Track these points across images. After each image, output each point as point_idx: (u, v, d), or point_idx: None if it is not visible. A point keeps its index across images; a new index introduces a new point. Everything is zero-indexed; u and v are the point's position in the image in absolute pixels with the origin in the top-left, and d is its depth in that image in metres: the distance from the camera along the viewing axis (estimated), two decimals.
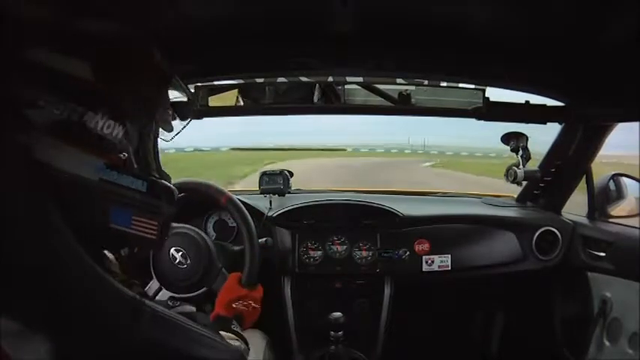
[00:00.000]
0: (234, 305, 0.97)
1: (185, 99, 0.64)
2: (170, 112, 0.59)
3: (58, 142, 0.44)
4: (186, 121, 0.64)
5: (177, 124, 0.62)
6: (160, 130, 0.58)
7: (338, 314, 1.22)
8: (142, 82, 0.52)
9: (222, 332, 0.83)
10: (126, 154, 0.49)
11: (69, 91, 0.45)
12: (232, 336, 0.85)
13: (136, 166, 0.51)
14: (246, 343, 0.86)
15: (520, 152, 1.40)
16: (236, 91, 1.33)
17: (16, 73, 0.42)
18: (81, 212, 0.46)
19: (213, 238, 1.37)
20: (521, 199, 1.65)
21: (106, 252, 0.55)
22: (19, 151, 0.41)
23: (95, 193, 0.47)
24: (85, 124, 0.45)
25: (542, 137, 1.49)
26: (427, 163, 15.26)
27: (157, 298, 1.09)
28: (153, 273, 1.11)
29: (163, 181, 0.54)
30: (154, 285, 1.11)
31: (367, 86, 1.33)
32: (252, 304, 1.00)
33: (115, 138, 0.48)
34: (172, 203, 0.54)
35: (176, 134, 0.62)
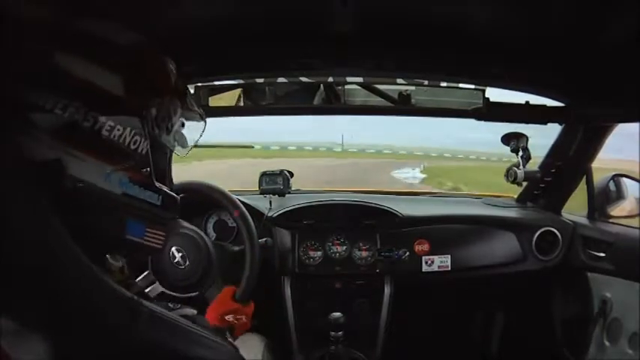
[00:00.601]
0: (225, 318, 0.99)
1: (196, 115, 0.65)
2: (184, 127, 0.60)
3: (82, 154, 0.45)
4: (199, 136, 0.65)
5: (190, 138, 0.63)
6: (176, 144, 0.59)
7: (338, 314, 1.22)
8: (164, 99, 0.53)
9: None
10: (148, 170, 0.51)
11: (98, 104, 0.46)
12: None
13: (155, 180, 0.52)
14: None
15: (520, 153, 1.40)
16: (236, 91, 1.33)
17: (41, 82, 0.43)
18: (99, 223, 0.48)
19: (213, 238, 1.37)
20: (521, 200, 1.65)
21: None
22: (20, 152, 0.41)
23: (117, 206, 0.48)
24: (114, 139, 0.47)
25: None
26: (404, 171, 9.85)
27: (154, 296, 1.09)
28: (151, 270, 1.10)
29: (172, 192, 0.56)
30: (147, 278, 1.10)
31: (367, 86, 1.33)
32: (243, 319, 1.03)
33: (139, 154, 0.49)
34: (178, 213, 0.56)
35: (190, 148, 0.64)
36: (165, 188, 0.54)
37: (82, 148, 0.45)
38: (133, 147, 0.48)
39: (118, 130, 0.47)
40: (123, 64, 0.48)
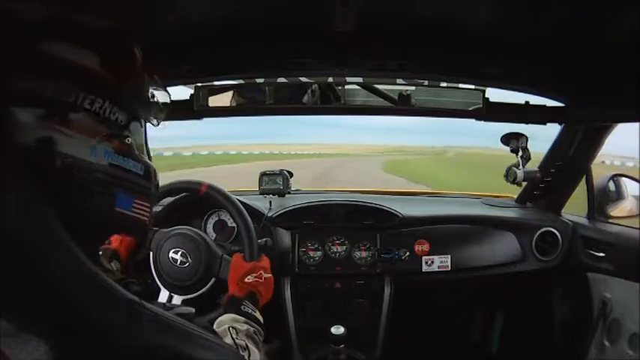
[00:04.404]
0: (246, 280, 0.98)
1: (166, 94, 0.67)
2: (156, 102, 0.62)
3: (67, 129, 0.46)
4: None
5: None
6: (150, 117, 0.61)
7: (341, 330, 1.19)
8: (135, 76, 0.55)
9: (233, 334, 0.82)
10: (130, 140, 0.52)
11: (78, 79, 0.47)
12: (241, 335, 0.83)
13: (136, 151, 0.54)
14: (260, 325, 0.87)
15: (520, 153, 1.40)
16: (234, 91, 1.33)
17: (21, 63, 0.44)
18: (88, 198, 0.48)
19: (213, 238, 1.37)
20: (521, 200, 1.65)
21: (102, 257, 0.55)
22: (7, 139, 0.41)
23: (105, 178, 0.49)
24: (95, 111, 0.48)
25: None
26: None
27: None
28: (159, 282, 1.10)
29: (150, 162, 0.57)
30: (163, 294, 1.10)
31: (367, 87, 1.33)
32: (263, 274, 1.01)
33: (120, 124, 0.51)
34: (157, 184, 0.57)
35: (161, 120, 0.65)
36: (145, 158, 0.55)
37: (66, 124, 0.46)
38: (113, 118, 0.50)
39: (99, 102, 0.48)
40: (100, 44, 0.50)
